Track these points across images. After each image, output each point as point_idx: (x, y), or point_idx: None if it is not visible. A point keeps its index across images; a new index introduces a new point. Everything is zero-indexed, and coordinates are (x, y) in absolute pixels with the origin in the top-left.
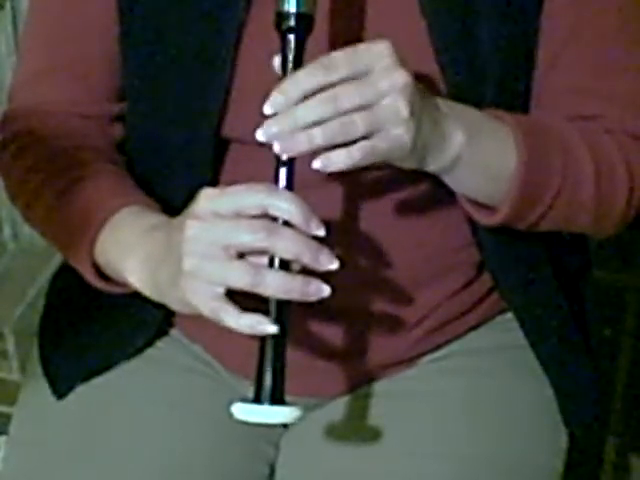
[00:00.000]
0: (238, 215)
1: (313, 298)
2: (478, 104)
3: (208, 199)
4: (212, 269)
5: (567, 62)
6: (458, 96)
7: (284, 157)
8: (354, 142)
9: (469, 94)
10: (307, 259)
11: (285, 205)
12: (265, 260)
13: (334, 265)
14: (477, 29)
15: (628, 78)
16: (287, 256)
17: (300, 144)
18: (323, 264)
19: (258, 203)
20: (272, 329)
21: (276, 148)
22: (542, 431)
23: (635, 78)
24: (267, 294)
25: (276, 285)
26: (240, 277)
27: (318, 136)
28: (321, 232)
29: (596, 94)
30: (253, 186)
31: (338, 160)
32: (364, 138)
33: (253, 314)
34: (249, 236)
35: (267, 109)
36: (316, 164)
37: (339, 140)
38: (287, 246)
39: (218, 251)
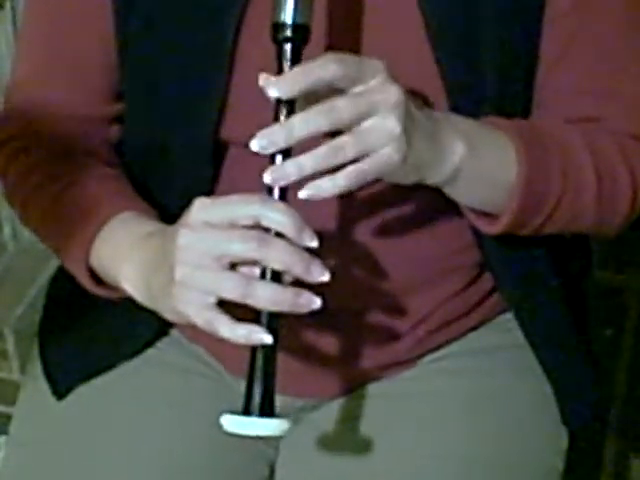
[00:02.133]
0: (231, 225)
1: (304, 310)
2: (479, 107)
3: (201, 208)
4: (203, 279)
5: (569, 64)
6: (458, 100)
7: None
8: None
9: (470, 98)
10: (298, 270)
11: (278, 216)
12: (257, 271)
13: (325, 277)
14: (478, 31)
15: (630, 80)
16: (278, 267)
17: (289, 175)
18: (314, 276)
19: (251, 213)
20: (268, 339)
21: (266, 179)
22: (542, 431)
23: (637, 80)
24: (258, 306)
25: (267, 297)
26: (231, 288)
27: (308, 165)
28: (314, 243)
29: (598, 96)
30: (246, 197)
31: (325, 188)
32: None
33: (248, 324)
34: (241, 246)
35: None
36: (302, 194)
37: (328, 166)
38: (278, 257)
39: (210, 261)
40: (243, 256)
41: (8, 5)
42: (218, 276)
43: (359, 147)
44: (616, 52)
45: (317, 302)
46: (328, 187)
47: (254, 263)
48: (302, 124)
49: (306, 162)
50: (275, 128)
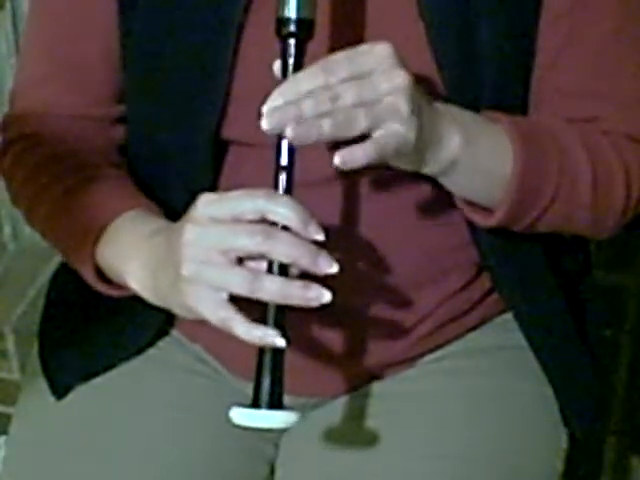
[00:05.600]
0: (236, 220)
1: (314, 303)
2: (476, 105)
3: (206, 204)
4: (211, 274)
5: (566, 64)
6: (456, 97)
7: (283, 162)
8: (359, 140)
9: (467, 95)
10: (305, 263)
11: (283, 210)
12: (264, 265)
13: (333, 269)
14: (476, 30)
15: (627, 80)
16: (285, 260)
17: (310, 132)
18: (322, 268)
19: (256, 208)
20: (281, 342)
21: (288, 134)
22: (542, 431)
23: (634, 80)
24: (266, 299)
25: (275, 290)
26: (239, 283)
27: (326, 126)
28: (320, 236)
29: (595, 96)
30: (251, 191)
31: (357, 155)
32: (366, 137)
33: (263, 326)
34: (247, 240)
35: (266, 109)
36: (337, 160)
37: (344, 133)
38: (285, 250)
39: (216, 256)
40: (249, 250)
41: (8, 5)
42: (225, 271)
43: (372, 117)
44: (612, 52)
45: (326, 295)
46: (359, 154)
47: (261, 258)
48: (311, 106)
49: (325, 125)
50: (286, 107)
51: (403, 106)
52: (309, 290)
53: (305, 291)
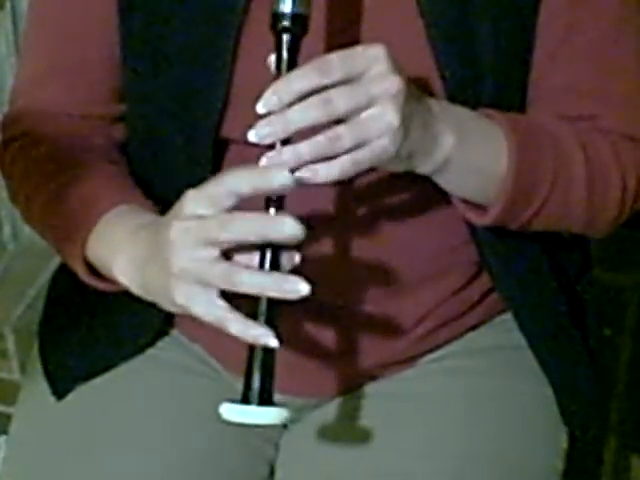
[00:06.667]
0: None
1: (292, 296)
2: (475, 102)
3: (192, 200)
4: (197, 271)
5: (564, 61)
6: (456, 96)
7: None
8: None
9: (467, 93)
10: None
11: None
12: (256, 259)
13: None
14: (475, 27)
15: (625, 79)
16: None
17: (286, 161)
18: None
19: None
20: (274, 343)
21: (262, 162)
22: (542, 431)
23: (632, 79)
24: (244, 292)
25: (252, 283)
26: (219, 277)
27: (305, 152)
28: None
29: (592, 94)
30: (235, 183)
31: (320, 174)
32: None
33: (259, 325)
34: (239, 228)
35: (260, 108)
36: (297, 175)
37: (325, 155)
38: (272, 233)
39: (202, 252)
40: (237, 241)
41: (8, 5)
42: (208, 266)
43: (356, 138)
44: (611, 50)
45: (305, 288)
46: (323, 173)
47: (252, 249)
48: (299, 115)
49: (303, 150)
50: (272, 119)
51: (392, 115)
52: (285, 282)
53: (282, 283)
